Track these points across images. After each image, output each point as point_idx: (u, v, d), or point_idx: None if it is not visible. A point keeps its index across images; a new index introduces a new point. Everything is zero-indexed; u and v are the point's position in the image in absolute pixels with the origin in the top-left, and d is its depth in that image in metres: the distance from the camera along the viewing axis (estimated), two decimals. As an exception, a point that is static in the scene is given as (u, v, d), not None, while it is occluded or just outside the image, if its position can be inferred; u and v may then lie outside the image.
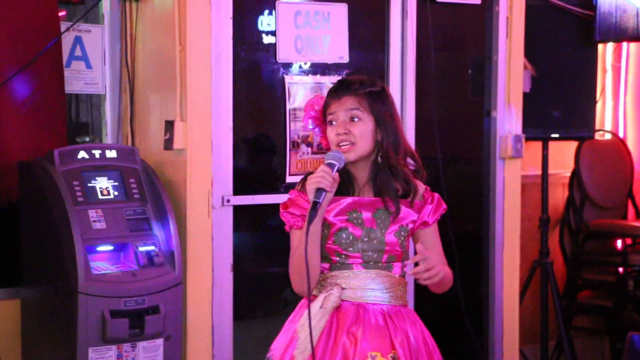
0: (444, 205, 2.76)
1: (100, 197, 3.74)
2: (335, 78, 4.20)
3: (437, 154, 4.48)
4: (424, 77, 4.51)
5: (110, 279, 3.60)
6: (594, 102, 5.31)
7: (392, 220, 2.65)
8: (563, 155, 5.52)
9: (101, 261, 3.66)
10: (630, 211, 5.68)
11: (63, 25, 3.98)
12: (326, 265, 2.67)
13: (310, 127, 2.78)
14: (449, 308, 4.64)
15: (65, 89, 4.02)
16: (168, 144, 3.90)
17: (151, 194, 3.82)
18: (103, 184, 3.77)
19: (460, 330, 4.61)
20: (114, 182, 3.79)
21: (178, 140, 3.88)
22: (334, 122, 2.66)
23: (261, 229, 4.33)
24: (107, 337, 3.54)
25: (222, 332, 4.01)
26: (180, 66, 3.89)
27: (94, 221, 3.67)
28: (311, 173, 2.65)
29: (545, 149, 5.21)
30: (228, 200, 4.01)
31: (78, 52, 4.12)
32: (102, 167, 3.78)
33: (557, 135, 5.17)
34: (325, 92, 4.18)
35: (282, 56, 4.15)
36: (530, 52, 4.83)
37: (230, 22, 3.99)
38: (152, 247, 3.73)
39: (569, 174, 5.55)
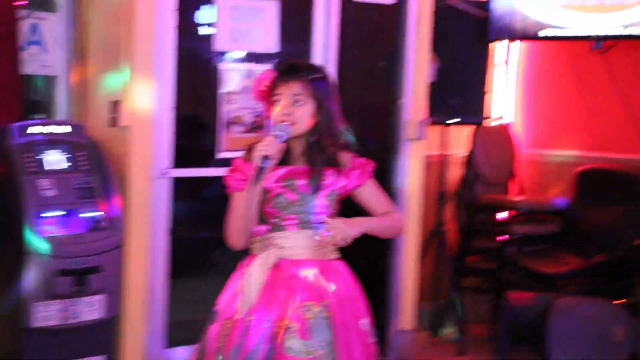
0: (371, 163, 2.79)
1: (51, 168, 3.65)
2: (266, 66, 4.14)
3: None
4: (344, 67, 4.48)
5: (57, 241, 3.54)
6: (487, 92, 5.38)
7: (322, 187, 2.67)
8: (459, 138, 5.56)
9: (50, 225, 3.58)
10: (514, 188, 5.77)
11: (21, 13, 3.84)
12: (264, 228, 2.68)
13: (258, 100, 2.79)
14: (358, 270, 4.66)
15: (22, 71, 3.90)
16: (113, 122, 3.83)
17: (98, 166, 3.76)
18: (54, 157, 3.69)
19: (367, 289, 4.64)
20: (65, 154, 3.71)
21: (123, 119, 3.81)
22: (278, 102, 2.66)
23: (196, 198, 4.28)
24: (53, 293, 3.50)
25: (156, 289, 3.98)
26: (127, 52, 3.80)
27: (45, 189, 3.60)
28: (256, 145, 2.65)
29: (445, 132, 5.25)
30: (167, 173, 3.95)
31: (35, 37, 3.99)
32: (54, 142, 3.70)
33: (454, 121, 5.22)
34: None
35: (219, 46, 4.08)
36: (435, 47, 4.85)
37: (174, 13, 3.90)
38: (97, 213, 3.67)
39: (464, 155, 5.59)
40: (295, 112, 2.63)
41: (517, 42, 5.77)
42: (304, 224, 2.67)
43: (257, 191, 2.56)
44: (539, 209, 5.42)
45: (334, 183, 2.69)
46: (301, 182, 2.66)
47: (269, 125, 2.71)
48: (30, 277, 3.46)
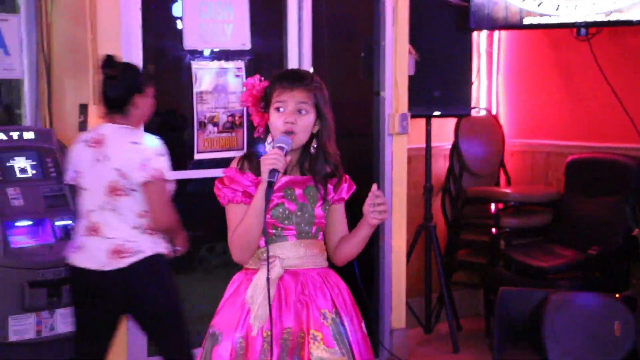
0: (354, 186, 2.71)
1: (18, 176, 3.54)
2: (238, 63, 4.08)
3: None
4: (319, 62, 4.37)
5: (28, 252, 3.43)
6: (470, 83, 5.28)
7: (319, 197, 2.59)
8: (444, 130, 5.47)
9: (20, 235, 3.47)
10: (502, 179, 5.67)
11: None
12: (264, 239, 2.56)
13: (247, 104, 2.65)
14: (342, 268, 4.56)
15: (-16, 75, 3.77)
16: (82, 126, 3.72)
17: (67, 172, 3.62)
18: (21, 164, 3.57)
19: (353, 285, 4.53)
20: (32, 161, 3.60)
21: (92, 122, 3.67)
22: (281, 109, 2.53)
23: (173, 201, 4.14)
24: (26, 306, 3.38)
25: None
26: (92, 53, 3.68)
27: (13, 199, 3.49)
28: (249, 154, 2.58)
29: (428, 125, 5.15)
30: (141, 177, 3.82)
31: (-4, 40, 3.86)
32: (20, 148, 3.58)
33: (438, 113, 5.11)
34: (229, 77, 4.06)
35: (188, 43, 3.97)
36: (414, 39, 4.76)
37: (139, 12, 3.79)
38: (68, 222, 3.54)
39: (449, 147, 5.50)
40: (299, 120, 2.53)
41: (500, 31, 5.68)
42: (303, 234, 2.58)
43: (264, 205, 2.45)
44: (529, 201, 5.31)
45: (329, 193, 2.62)
46: (299, 191, 2.58)
47: (261, 132, 2.61)
48: (1, 291, 3.34)
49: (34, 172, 3.57)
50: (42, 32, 3.89)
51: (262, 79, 2.62)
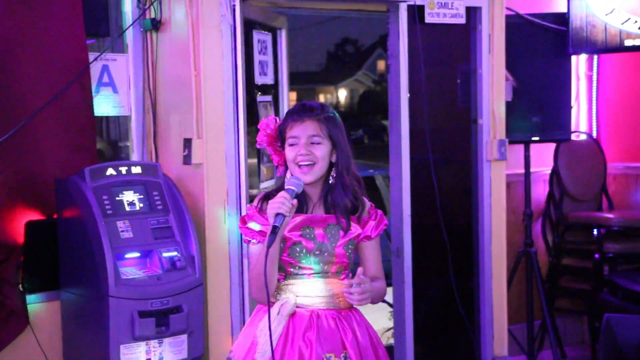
0: (386, 221, 2.66)
1: (127, 209, 3.61)
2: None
3: (429, 157, 4.34)
4: (416, 89, 4.34)
5: (137, 283, 3.49)
6: (570, 107, 5.13)
7: (341, 235, 2.55)
8: (543, 154, 5.35)
9: (129, 267, 3.55)
10: (604, 203, 5.49)
11: (91, 56, 3.83)
12: (282, 275, 2.56)
13: (264, 145, 2.64)
14: (443, 295, 4.51)
15: (95, 112, 3.87)
16: (187, 159, 3.79)
17: (173, 204, 3.69)
18: (129, 197, 3.64)
19: (454, 313, 4.47)
20: (139, 195, 3.67)
21: (196, 156, 3.76)
22: (294, 144, 2.53)
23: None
24: (136, 335, 3.45)
25: (240, 326, 3.86)
26: (196, 89, 3.76)
27: (122, 231, 3.56)
28: (268, 194, 2.56)
29: (527, 150, 5.03)
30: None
31: (105, 79, 3.98)
32: (128, 182, 3.66)
33: (537, 138, 4.99)
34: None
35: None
36: (511, 64, 4.68)
37: (242, 50, 3.83)
38: (174, 253, 3.61)
39: (549, 172, 5.37)
40: (315, 151, 2.51)
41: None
42: (321, 274, 2.55)
43: (276, 247, 2.44)
44: (633, 226, 5.12)
45: (352, 231, 2.57)
46: (319, 230, 2.54)
47: (282, 171, 2.60)
48: (113, 321, 3.41)
49: (142, 205, 3.64)
50: (148, 70, 3.99)
51: (277, 118, 2.60)
